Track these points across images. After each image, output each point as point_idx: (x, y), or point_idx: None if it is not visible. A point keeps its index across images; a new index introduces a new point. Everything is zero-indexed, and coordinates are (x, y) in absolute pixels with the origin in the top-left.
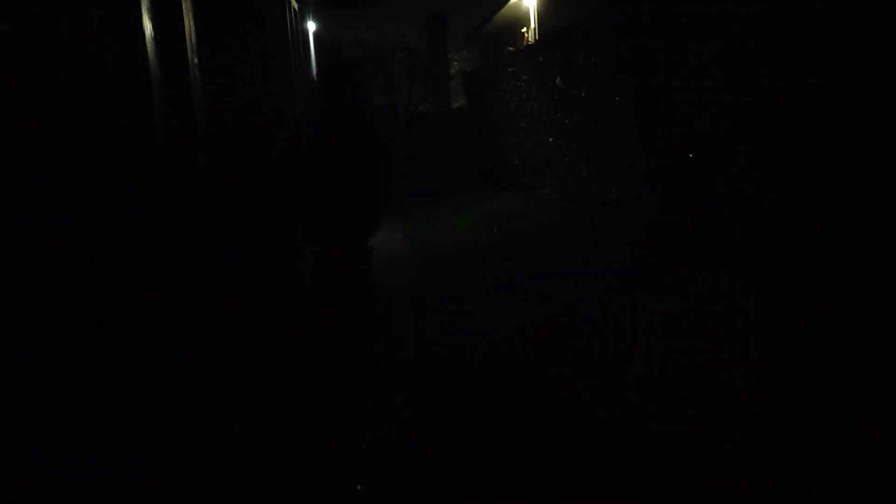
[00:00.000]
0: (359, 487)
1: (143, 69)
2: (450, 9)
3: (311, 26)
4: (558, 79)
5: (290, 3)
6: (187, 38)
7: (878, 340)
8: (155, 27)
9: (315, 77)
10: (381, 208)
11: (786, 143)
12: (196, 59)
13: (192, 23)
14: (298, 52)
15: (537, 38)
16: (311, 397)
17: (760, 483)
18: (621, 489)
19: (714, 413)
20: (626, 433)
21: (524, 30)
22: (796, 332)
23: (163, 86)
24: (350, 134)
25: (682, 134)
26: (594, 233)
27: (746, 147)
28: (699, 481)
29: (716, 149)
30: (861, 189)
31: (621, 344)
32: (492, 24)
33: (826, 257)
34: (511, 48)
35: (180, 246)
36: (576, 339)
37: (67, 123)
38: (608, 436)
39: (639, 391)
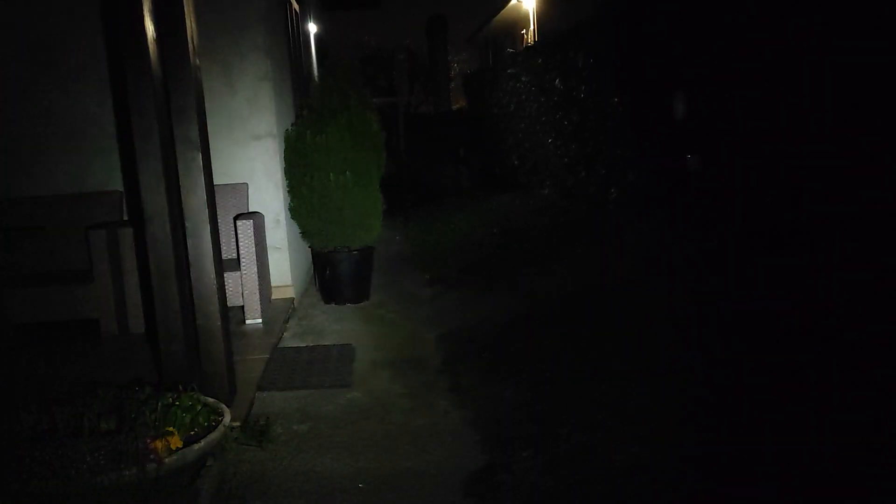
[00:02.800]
0: (360, 485)
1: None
2: (450, 11)
3: (313, 28)
4: (557, 80)
5: (290, 5)
6: (189, 39)
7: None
8: (157, 28)
9: (317, 79)
10: (382, 209)
11: (786, 143)
12: (198, 61)
13: (194, 24)
14: (300, 53)
15: (536, 39)
16: None
17: None
18: None
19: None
20: None
21: (523, 32)
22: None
23: (164, 86)
24: (352, 136)
25: (681, 134)
26: (592, 233)
27: (746, 147)
28: None
29: (715, 149)
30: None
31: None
32: (491, 25)
33: (826, 260)
34: (511, 50)
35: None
36: (569, 330)
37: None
38: None
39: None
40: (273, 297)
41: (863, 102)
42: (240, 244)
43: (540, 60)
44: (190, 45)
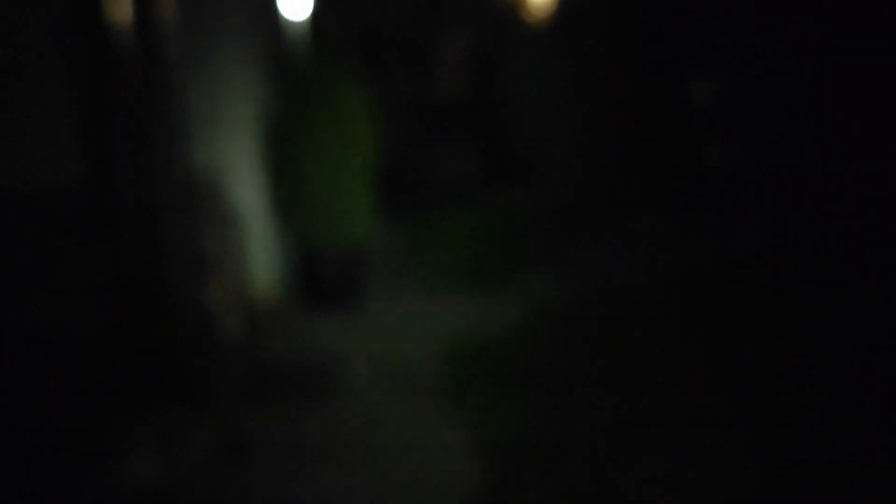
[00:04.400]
0: None
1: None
2: None
3: (303, 8)
4: (569, 67)
5: None
6: (166, 23)
7: None
8: (134, 10)
9: (306, 62)
10: (376, 205)
11: (806, 142)
12: (176, 47)
13: (172, 6)
14: (285, 32)
15: (546, 22)
16: None
17: None
18: None
19: None
20: None
21: (531, 12)
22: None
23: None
24: (343, 126)
25: (702, 125)
26: (599, 229)
27: (775, 139)
28: None
29: (741, 141)
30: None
31: None
32: (497, 5)
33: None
34: (518, 34)
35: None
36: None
37: None
38: None
39: None
40: (256, 302)
41: None
42: (219, 244)
43: (550, 45)
44: (167, 31)
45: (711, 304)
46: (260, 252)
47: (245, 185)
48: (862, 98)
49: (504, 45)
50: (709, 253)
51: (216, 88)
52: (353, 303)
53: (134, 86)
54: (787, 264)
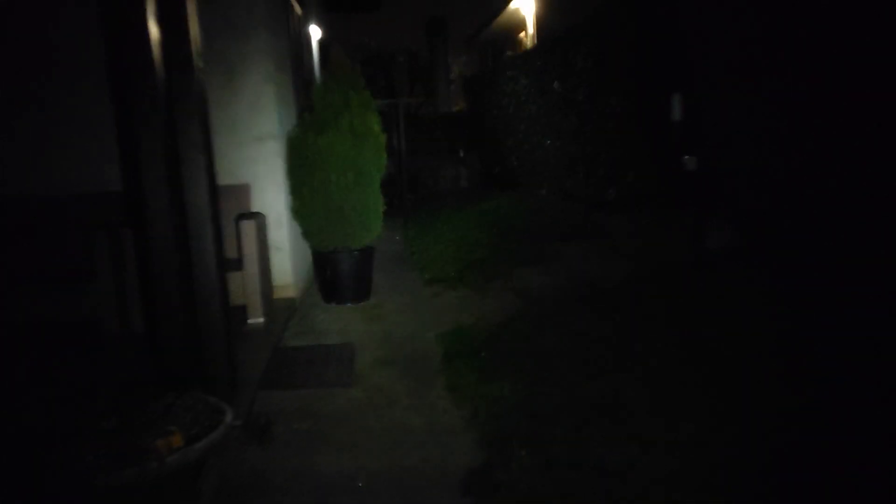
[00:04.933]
0: (360, 484)
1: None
2: (449, 14)
3: (314, 31)
4: (556, 82)
5: (292, 8)
6: (192, 41)
7: None
8: (160, 31)
9: (318, 80)
10: (382, 209)
11: (789, 146)
12: (201, 63)
13: (197, 26)
14: (301, 55)
15: (535, 42)
16: None
17: None
18: None
19: None
20: None
21: (522, 34)
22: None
23: (167, 88)
24: (353, 137)
25: (678, 135)
26: (588, 232)
27: (745, 148)
28: None
29: (714, 150)
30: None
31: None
32: (491, 28)
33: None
34: (510, 52)
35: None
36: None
37: None
38: None
39: None
40: (275, 296)
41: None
42: (242, 244)
43: (539, 62)
44: (193, 48)
45: (683, 298)
46: (281, 251)
47: (270, 192)
48: (821, 112)
49: (497, 65)
50: (683, 251)
51: (243, 104)
52: (364, 295)
53: (166, 102)
54: (754, 262)
